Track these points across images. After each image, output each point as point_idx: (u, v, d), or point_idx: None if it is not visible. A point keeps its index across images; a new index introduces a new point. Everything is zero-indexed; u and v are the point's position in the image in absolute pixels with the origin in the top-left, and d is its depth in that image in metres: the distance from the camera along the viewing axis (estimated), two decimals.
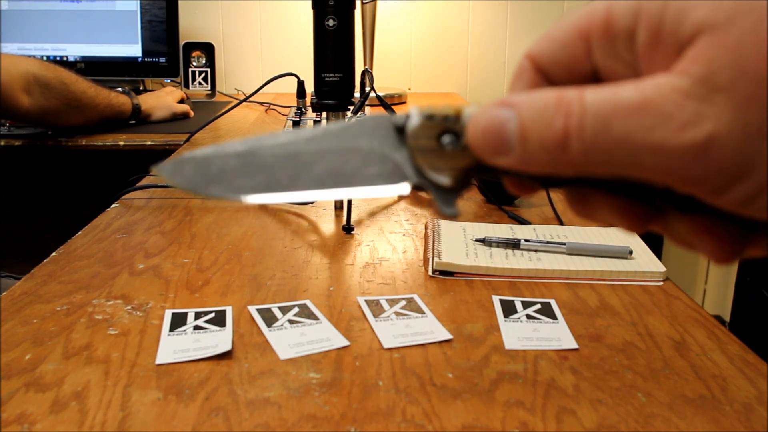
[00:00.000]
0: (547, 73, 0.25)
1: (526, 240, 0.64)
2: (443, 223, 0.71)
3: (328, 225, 0.74)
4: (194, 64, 1.65)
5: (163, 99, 1.37)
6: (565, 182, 0.25)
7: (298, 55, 1.76)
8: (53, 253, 0.63)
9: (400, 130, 0.26)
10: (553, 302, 0.54)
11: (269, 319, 0.50)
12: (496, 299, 0.54)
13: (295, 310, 0.52)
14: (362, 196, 0.27)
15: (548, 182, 0.25)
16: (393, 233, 0.71)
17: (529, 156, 0.22)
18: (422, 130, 0.26)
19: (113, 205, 0.80)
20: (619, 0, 0.22)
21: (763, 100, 0.18)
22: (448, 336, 0.48)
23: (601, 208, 0.25)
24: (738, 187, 0.19)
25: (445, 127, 0.25)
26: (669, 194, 0.22)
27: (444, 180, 0.26)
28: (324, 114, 0.97)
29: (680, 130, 0.19)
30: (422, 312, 0.52)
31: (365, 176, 0.27)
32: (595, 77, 0.24)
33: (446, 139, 0.25)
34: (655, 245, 0.64)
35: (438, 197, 0.26)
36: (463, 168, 0.25)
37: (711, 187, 0.20)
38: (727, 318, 1.57)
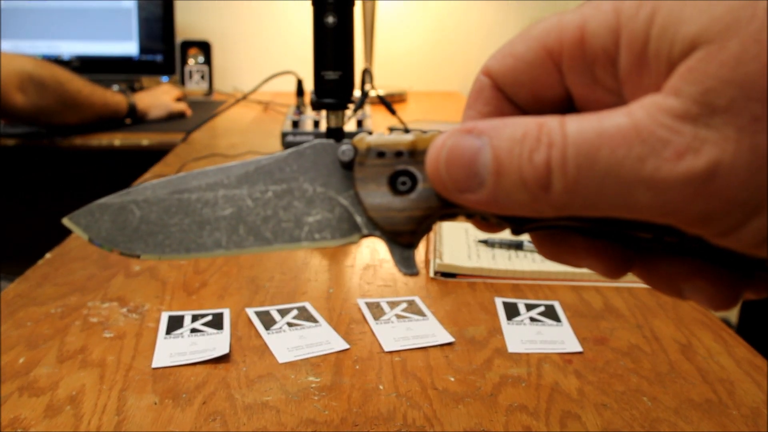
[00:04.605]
0: (509, 94, 0.22)
1: (529, 241, 0.63)
2: (445, 223, 0.70)
3: None
4: (191, 62, 1.64)
5: (159, 98, 1.36)
6: (539, 225, 0.22)
7: (297, 53, 1.75)
8: (47, 255, 0.62)
9: (346, 165, 0.23)
10: (556, 304, 0.53)
11: (267, 321, 0.49)
12: (498, 301, 0.54)
13: (294, 312, 0.51)
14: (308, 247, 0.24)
15: (520, 224, 0.22)
16: None
17: (503, 193, 0.19)
18: (371, 170, 0.22)
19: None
20: (593, 14, 0.19)
21: None
22: (450, 339, 0.48)
23: (577, 252, 0.22)
24: (753, 224, 0.16)
25: (398, 167, 0.22)
26: (659, 235, 0.20)
27: (399, 234, 0.22)
28: (323, 112, 0.97)
29: (676, 159, 0.16)
30: (423, 314, 0.51)
31: (309, 226, 0.23)
32: (568, 103, 0.21)
33: (400, 183, 0.22)
34: None
35: (393, 253, 0.23)
36: (422, 217, 0.22)
37: (721, 226, 0.17)
38: (734, 320, 1.56)
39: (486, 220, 0.23)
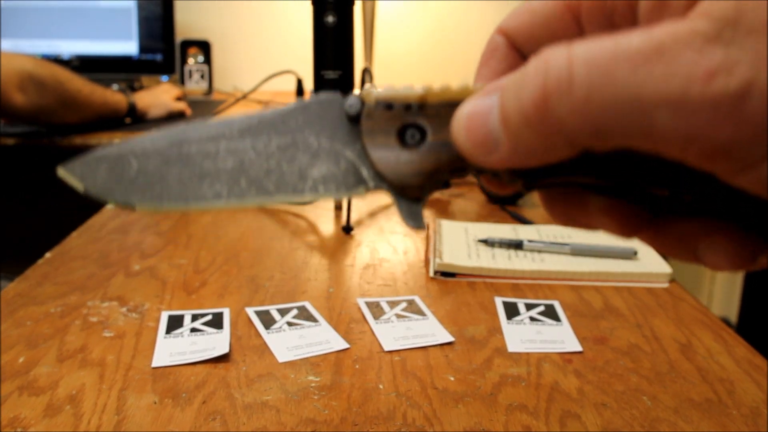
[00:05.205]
0: (525, 51, 0.21)
1: (529, 240, 0.63)
2: (445, 223, 0.70)
3: (327, 225, 0.73)
4: (191, 61, 1.64)
5: (159, 97, 1.36)
6: (551, 181, 0.21)
7: (297, 53, 1.75)
8: (47, 254, 0.62)
9: (353, 119, 0.22)
10: (556, 304, 0.53)
11: (267, 321, 0.49)
12: (498, 301, 0.54)
13: (294, 312, 0.51)
14: (311, 200, 0.23)
15: (532, 179, 0.21)
16: (393, 233, 0.70)
17: (518, 142, 0.18)
18: (379, 123, 0.22)
19: (108, 206, 0.79)
20: None
21: None
22: (450, 338, 0.47)
23: (589, 212, 0.21)
24: None
25: (407, 120, 0.21)
26: (676, 192, 0.20)
27: (407, 187, 0.22)
28: None
29: (708, 79, 0.15)
30: (423, 314, 0.51)
31: (313, 179, 0.22)
32: None
33: (409, 136, 0.21)
34: None
35: (400, 206, 0.22)
36: (431, 170, 0.21)
37: (744, 158, 0.16)
38: (734, 320, 1.56)
39: (497, 177, 0.22)
